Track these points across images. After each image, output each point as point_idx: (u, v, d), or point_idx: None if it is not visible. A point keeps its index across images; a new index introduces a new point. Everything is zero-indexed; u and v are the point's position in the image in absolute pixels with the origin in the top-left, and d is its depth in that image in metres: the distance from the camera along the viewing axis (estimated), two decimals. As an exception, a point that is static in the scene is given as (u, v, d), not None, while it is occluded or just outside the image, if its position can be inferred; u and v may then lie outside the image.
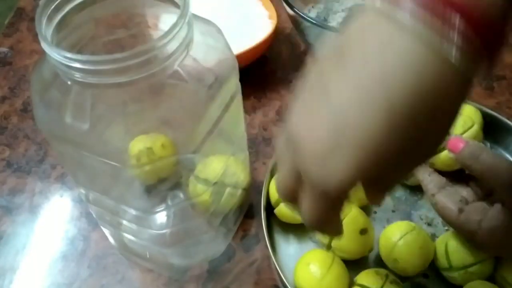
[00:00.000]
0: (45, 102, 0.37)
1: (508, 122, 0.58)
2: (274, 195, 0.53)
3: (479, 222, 0.39)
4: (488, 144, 0.60)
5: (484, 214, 0.39)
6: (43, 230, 0.57)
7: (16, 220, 0.58)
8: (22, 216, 0.58)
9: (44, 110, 0.37)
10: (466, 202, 0.41)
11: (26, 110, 0.69)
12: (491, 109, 0.58)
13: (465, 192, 0.42)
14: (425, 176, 0.45)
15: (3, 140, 0.66)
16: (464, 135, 0.44)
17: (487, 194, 0.42)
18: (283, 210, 0.52)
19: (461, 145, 0.41)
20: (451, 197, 0.42)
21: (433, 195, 0.43)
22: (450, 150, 0.42)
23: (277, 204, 0.52)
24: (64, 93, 0.35)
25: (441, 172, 0.44)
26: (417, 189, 0.55)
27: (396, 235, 0.48)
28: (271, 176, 0.54)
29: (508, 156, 0.59)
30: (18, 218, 0.58)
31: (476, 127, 0.44)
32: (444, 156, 0.44)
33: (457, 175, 0.44)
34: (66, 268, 0.54)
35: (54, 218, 0.58)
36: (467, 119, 0.44)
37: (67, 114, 0.35)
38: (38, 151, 0.64)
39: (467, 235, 0.41)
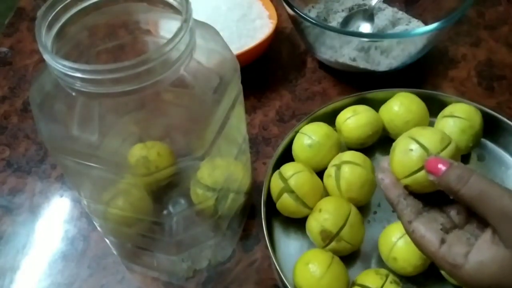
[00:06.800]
0: (49, 116, 0.36)
1: (508, 122, 0.58)
2: (275, 190, 0.53)
3: (465, 255, 0.34)
4: (488, 144, 0.60)
5: (470, 245, 0.34)
6: (43, 230, 0.57)
7: (16, 220, 0.58)
8: (22, 216, 0.58)
9: (48, 124, 0.37)
10: (446, 231, 0.36)
11: (26, 110, 0.69)
12: (491, 109, 0.58)
13: (441, 218, 0.37)
14: (400, 199, 0.38)
15: (3, 140, 0.66)
16: (441, 154, 0.37)
17: (466, 221, 0.37)
18: (284, 203, 0.52)
19: (443, 167, 0.35)
20: (430, 225, 0.36)
21: (409, 222, 0.37)
22: (430, 173, 0.35)
23: (279, 197, 0.53)
24: (69, 105, 0.34)
25: (416, 195, 0.38)
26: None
27: (397, 235, 0.48)
28: (272, 172, 0.54)
29: (508, 156, 0.59)
30: (18, 218, 0.58)
31: (453, 145, 0.37)
32: (421, 177, 0.36)
33: (429, 198, 0.38)
34: (66, 268, 0.54)
35: (54, 218, 0.58)
36: (444, 135, 0.38)
37: (74, 126, 0.35)
38: (38, 151, 0.64)
39: (449, 269, 0.35)
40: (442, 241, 0.35)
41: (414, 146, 0.37)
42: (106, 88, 0.32)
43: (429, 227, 0.36)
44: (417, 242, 0.36)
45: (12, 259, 0.55)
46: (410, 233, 0.37)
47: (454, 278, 0.35)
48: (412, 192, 0.38)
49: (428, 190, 0.37)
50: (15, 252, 0.56)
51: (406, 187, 0.38)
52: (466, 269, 0.34)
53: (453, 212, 0.37)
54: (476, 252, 0.34)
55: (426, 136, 0.38)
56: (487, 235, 0.34)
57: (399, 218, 0.38)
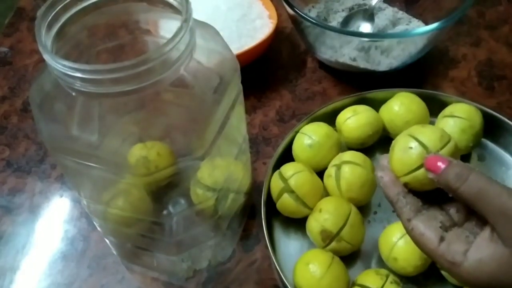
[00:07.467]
0: (49, 116, 0.36)
1: (509, 122, 0.58)
2: (275, 190, 0.53)
3: (464, 253, 0.34)
4: (489, 144, 0.60)
5: (469, 243, 0.34)
6: (43, 230, 0.57)
7: (16, 220, 0.58)
8: (22, 216, 0.58)
9: (48, 124, 0.37)
10: (446, 229, 0.36)
11: (26, 110, 0.69)
12: (491, 109, 0.58)
13: (441, 216, 0.37)
14: (399, 197, 0.38)
15: (3, 140, 0.66)
16: (441, 152, 0.36)
17: (465, 219, 0.36)
18: (284, 203, 0.52)
19: (442, 165, 0.35)
20: (430, 223, 0.36)
21: (409, 220, 0.37)
22: (430, 170, 0.35)
23: (279, 197, 0.52)
24: (69, 105, 0.34)
25: (415, 193, 0.38)
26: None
27: (397, 235, 0.48)
28: (272, 172, 0.54)
29: (508, 156, 0.59)
30: (18, 218, 0.58)
31: (452, 144, 0.37)
32: (421, 175, 0.36)
33: (428, 196, 0.38)
34: (66, 268, 0.54)
35: (54, 218, 0.58)
36: (444, 133, 0.37)
37: (74, 126, 0.35)
38: (38, 151, 0.64)
39: (448, 267, 0.35)
40: (441, 239, 0.35)
41: (414, 144, 0.37)
42: (106, 88, 0.32)
43: (428, 225, 0.36)
44: (416, 240, 0.37)
45: (12, 259, 0.55)
46: (409, 231, 0.37)
47: (453, 276, 0.35)
48: (412, 190, 0.38)
49: (427, 188, 0.37)
50: (15, 252, 0.56)
51: (405, 185, 0.38)
52: (465, 267, 0.34)
53: (452, 210, 0.37)
54: (475, 250, 0.34)
55: (425, 134, 0.38)
56: (485, 233, 0.34)
57: (398, 216, 0.38)
